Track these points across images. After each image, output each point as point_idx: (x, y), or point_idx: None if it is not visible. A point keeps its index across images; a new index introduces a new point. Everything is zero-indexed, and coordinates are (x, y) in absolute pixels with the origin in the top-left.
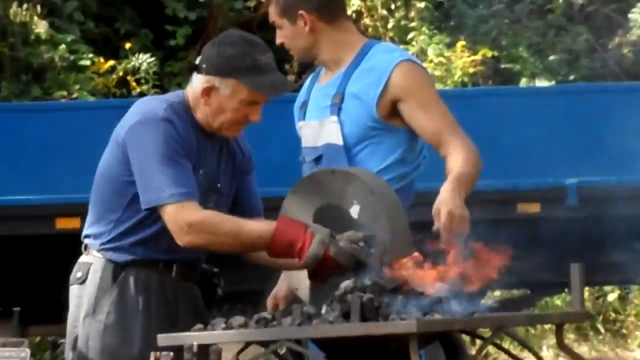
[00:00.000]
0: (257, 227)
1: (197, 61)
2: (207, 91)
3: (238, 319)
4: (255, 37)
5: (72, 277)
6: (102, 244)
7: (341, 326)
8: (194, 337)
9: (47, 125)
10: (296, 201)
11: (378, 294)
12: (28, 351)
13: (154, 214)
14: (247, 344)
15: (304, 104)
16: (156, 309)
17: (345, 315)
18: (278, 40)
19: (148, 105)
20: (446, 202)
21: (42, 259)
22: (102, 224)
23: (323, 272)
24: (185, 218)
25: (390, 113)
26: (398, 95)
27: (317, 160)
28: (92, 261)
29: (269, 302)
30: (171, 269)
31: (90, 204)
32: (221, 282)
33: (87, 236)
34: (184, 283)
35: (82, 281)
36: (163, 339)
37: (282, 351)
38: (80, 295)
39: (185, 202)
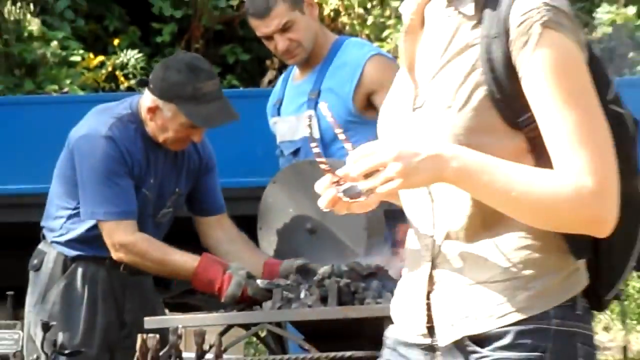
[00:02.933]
0: (182, 260)
1: (150, 78)
2: (152, 110)
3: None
4: (202, 64)
5: (30, 263)
6: (55, 237)
7: (319, 310)
8: (180, 320)
9: (39, 118)
10: (277, 190)
11: (355, 279)
12: (21, 333)
13: None
14: (230, 327)
15: (278, 101)
16: (102, 301)
17: (323, 300)
18: (284, 44)
19: (97, 120)
20: None
21: (33, 244)
22: (56, 220)
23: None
24: (118, 237)
25: (366, 105)
26: (372, 88)
27: (295, 153)
28: (47, 250)
29: None
30: (119, 265)
31: (49, 196)
32: None
33: (43, 227)
34: (133, 277)
35: (37, 269)
36: (149, 322)
37: (263, 334)
38: (35, 283)
39: (121, 221)
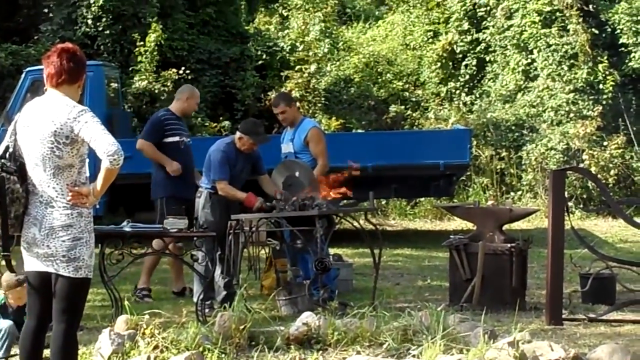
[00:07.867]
0: (240, 194)
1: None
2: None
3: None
4: (259, 125)
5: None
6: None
7: (293, 212)
8: (252, 217)
9: None
10: (279, 167)
11: (309, 199)
12: (186, 221)
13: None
14: (260, 219)
15: (283, 138)
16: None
17: (297, 208)
18: (282, 117)
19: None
20: None
21: None
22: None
23: None
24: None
25: (307, 145)
26: (308, 139)
27: (286, 157)
28: (203, 191)
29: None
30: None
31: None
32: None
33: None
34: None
35: (198, 197)
36: (234, 218)
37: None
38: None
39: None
